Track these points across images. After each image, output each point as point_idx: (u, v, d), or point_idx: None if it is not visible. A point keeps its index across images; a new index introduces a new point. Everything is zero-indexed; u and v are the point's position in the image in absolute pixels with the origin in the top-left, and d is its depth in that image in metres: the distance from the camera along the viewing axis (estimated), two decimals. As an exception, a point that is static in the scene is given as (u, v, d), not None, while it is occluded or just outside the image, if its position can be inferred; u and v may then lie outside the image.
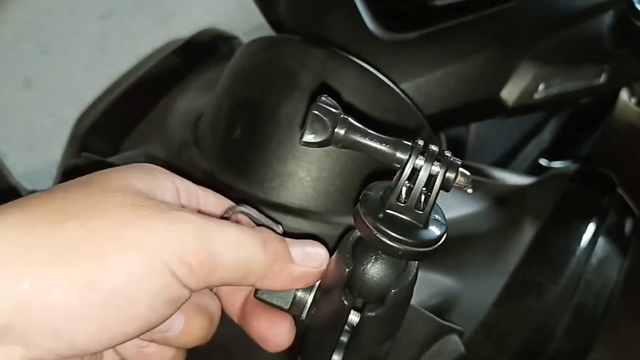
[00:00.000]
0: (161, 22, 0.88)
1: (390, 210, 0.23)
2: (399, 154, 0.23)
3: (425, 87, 0.47)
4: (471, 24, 0.49)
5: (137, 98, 0.55)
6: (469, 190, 0.50)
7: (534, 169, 1.05)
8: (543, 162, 1.07)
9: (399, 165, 0.23)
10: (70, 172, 0.42)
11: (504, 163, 0.98)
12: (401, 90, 0.46)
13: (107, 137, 0.51)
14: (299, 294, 0.27)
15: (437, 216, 0.24)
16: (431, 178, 0.23)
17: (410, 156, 0.23)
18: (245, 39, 0.65)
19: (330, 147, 0.23)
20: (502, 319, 0.40)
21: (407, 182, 0.23)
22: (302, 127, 0.22)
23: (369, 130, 0.23)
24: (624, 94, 0.61)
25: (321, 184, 0.38)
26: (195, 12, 0.93)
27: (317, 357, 0.27)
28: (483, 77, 0.48)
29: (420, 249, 0.23)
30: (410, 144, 0.23)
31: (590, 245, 0.45)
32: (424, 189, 0.23)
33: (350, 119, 0.23)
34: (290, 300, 0.27)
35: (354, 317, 0.25)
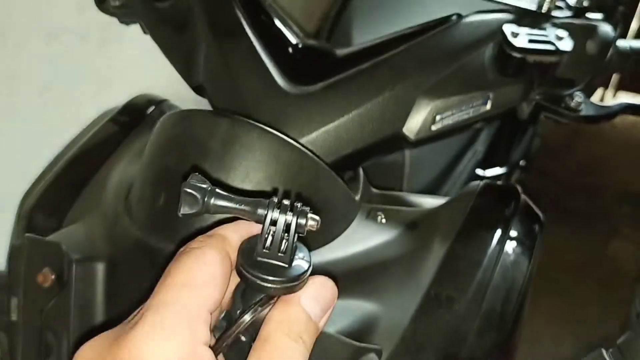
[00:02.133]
0: (100, 90, 0.93)
1: (259, 257, 0.28)
2: (259, 211, 0.28)
3: (334, 132, 0.53)
4: (368, 71, 0.54)
5: (75, 171, 0.59)
6: (383, 221, 0.55)
7: (471, 180, 1.11)
8: (479, 172, 1.14)
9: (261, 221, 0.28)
10: (15, 254, 0.46)
11: (443, 178, 1.04)
12: (311, 138, 0.51)
13: (51, 213, 0.55)
14: None
15: (301, 254, 0.29)
16: (288, 226, 0.28)
17: (267, 212, 0.28)
18: (182, 100, 0.70)
19: None
20: (418, 333, 0.44)
21: (272, 231, 0.28)
22: (178, 203, 0.27)
23: (234, 196, 0.28)
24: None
25: None
26: (133, 76, 0.97)
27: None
28: (385, 117, 0.53)
29: (288, 285, 0.28)
30: (267, 202, 0.28)
31: (496, 254, 0.50)
32: (285, 235, 0.28)
33: (218, 189, 0.28)
34: None
35: None
